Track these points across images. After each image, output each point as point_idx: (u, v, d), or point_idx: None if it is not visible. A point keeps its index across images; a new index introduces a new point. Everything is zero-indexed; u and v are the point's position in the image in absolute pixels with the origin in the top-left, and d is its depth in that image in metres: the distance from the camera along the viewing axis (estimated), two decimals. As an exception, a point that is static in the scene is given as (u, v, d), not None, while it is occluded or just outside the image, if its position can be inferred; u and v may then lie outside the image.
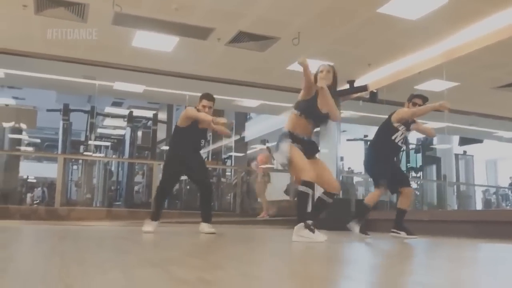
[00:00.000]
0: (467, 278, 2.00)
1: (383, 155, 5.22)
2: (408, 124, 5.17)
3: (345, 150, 12.32)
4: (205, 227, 4.89)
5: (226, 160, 15.95)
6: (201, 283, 1.46)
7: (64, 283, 1.30)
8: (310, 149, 4.09)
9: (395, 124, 5.11)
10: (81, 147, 13.80)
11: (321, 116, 4.08)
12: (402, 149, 5.55)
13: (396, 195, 5.69)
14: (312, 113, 4.03)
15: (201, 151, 5.39)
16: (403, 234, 5.04)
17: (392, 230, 5.12)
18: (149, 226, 4.88)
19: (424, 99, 5.27)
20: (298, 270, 2.12)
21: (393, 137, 5.10)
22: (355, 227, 5.13)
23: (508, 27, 6.57)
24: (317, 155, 4.23)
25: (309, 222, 3.86)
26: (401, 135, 5.14)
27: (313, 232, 3.78)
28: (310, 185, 3.86)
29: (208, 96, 5.00)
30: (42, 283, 1.33)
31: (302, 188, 3.87)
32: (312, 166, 4.01)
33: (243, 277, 1.67)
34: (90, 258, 2.14)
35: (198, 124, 4.93)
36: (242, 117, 16.13)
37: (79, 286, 1.26)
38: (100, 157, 13.30)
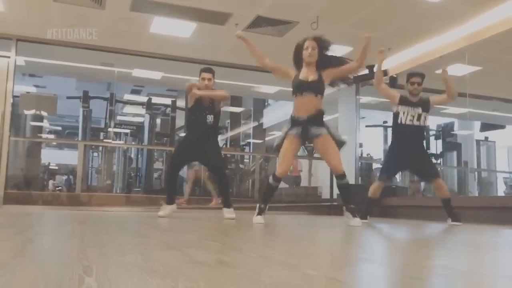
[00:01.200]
0: (488, 262, 1.96)
1: (393, 144, 5.31)
2: (409, 103, 5.10)
3: (364, 136, 12.22)
4: (225, 212, 4.99)
5: (244, 146, 15.97)
6: (220, 265, 1.45)
7: (82, 264, 1.30)
8: (307, 130, 4.21)
9: (394, 108, 5.17)
10: (101, 134, 13.94)
11: (308, 84, 4.23)
12: (420, 128, 5.15)
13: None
14: (298, 87, 4.23)
15: (218, 137, 5.36)
16: (449, 220, 5.13)
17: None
18: (164, 210, 4.89)
19: (421, 75, 5.22)
20: (317, 253, 2.10)
21: (399, 121, 5.10)
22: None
23: (532, 9, 6.40)
24: (323, 134, 4.23)
25: (262, 206, 4.32)
26: (405, 114, 5.07)
27: (258, 215, 4.27)
28: (277, 179, 4.33)
29: (205, 69, 5.04)
30: (59, 264, 1.33)
31: (270, 179, 4.39)
32: (318, 148, 4.35)
33: (262, 259, 1.66)
34: (109, 241, 2.15)
35: (201, 102, 4.92)
36: (260, 104, 16.09)
37: (97, 267, 1.26)
38: (119, 143, 13.41)
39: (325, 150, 4.27)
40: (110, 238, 2.31)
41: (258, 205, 4.34)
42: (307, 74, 4.25)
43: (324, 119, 4.31)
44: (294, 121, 4.26)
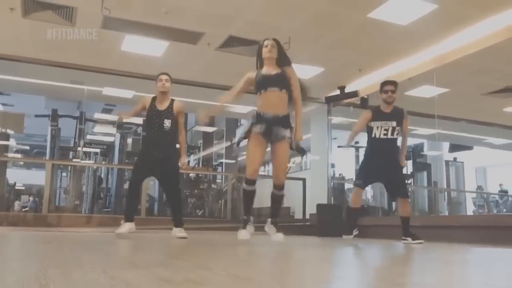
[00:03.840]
0: (458, 278, 1.96)
1: (368, 155, 5.29)
2: (382, 116, 5.12)
3: (336, 157, 12.29)
4: (176, 231, 4.79)
5: (217, 166, 15.87)
6: (187, 283, 1.39)
7: (39, 283, 1.23)
8: (271, 129, 4.03)
9: (368, 124, 5.17)
10: (70, 154, 13.65)
11: (271, 78, 4.10)
12: (393, 141, 5.13)
13: (396, 203, 5.68)
14: (261, 82, 4.09)
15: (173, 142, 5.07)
16: (409, 239, 5.06)
17: (402, 237, 5.15)
18: (122, 227, 4.67)
19: (394, 83, 5.23)
20: (288, 271, 2.06)
21: (373, 135, 5.14)
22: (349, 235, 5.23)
23: (497, 32, 6.60)
24: (284, 140, 4.07)
25: (244, 218, 4.16)
26: (379, 129, 5.08)
27: (242, 229, 4.09)
28: (249, 182, 4.13)
29: (162, 72, 5.03)
30: (14, 283, 1.26)
31: (243, 185, 4.21)
32: (274, 152, 4.12)
33: (231, 277, 1.61)
34: (72, 260, 2.06)
35: (155, 108, 4.82)
36: (233, 124, 16.07)
37: (54, 286, 1.18)
38: (89, 163, 13.15)
39: (278, 156, 4.11)
40: (74, 257, 2.22)
41: (242, 219, 4.19)
42: (269, 69, 4.15)
43: (289, 119, 4.15)
44: (260, 118, 4.06)
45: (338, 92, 9.60)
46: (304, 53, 7.76)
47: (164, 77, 4.91)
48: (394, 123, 5.05)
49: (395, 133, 5.08)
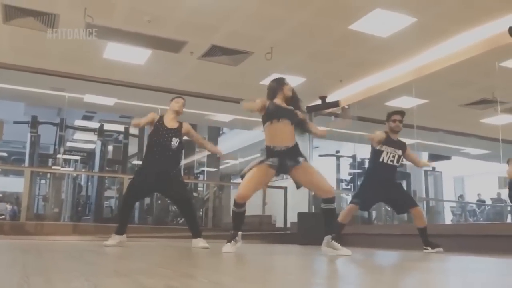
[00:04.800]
0: (436, 287, 2.01)
1: (371, 179, 5.35)
2: (391, 142, 5.21)
3: (318, 165, 12.37)
4: (198, 242, 4.87)
5: (198, 175, 15.83)
6: (169, 291, 1.41)
7: (24, 291, 1.24)
8: (284, 160, 4.01)
9: (377, 147, 5.21)
10: (50, 161, 13.47)
11: (285, 110, 4.12)
12: (395, 168, 5.28)
13: (407, 215, 5.73)
14: (275, 112, 4.06)
15: (179, 161, 5.20)
16: (429, 249, 5.15)
17: (423, 247, 5.22)
18: (112, 239, 4.75)
19: (402, 113, 5.33)
20: (270, 278, 2.09)
21: (380, 159, 5.18)
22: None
23: (474, 46, 6.76)
24: (303, 162, 4.05)
25: (231, 232, 4.13)
26: (388, 154, 5.16)
27: (227, 242, 4.06)
28: (237, 205, 4.07)
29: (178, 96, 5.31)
30: (0, 290, 1.26)
31: (233, 207, 4.15)
32: (300, 177, 4.09)
33: (213, 284, 1.63)
34: (54, 268, 2.06)
35: (163, 125, 4.89)
36: (215, 132, 16.07)
37: (39, 293, 1.20)
38: (68, 170, 13.00)
39: (310, 176, 4.09)
40: (55, 265, 2.21)
41: (231, 235, 4.12)
42: (282, 103, 4.18)
43: (299, 149, 4.14)
44: (271, 151, 4.01)
45: (319, 102, 9.69)
46: (286, 63, 7.84)
47: (182, 100, 5.10)
48: (400, 152, 5.22)
49: (399, 161, 5.24)
